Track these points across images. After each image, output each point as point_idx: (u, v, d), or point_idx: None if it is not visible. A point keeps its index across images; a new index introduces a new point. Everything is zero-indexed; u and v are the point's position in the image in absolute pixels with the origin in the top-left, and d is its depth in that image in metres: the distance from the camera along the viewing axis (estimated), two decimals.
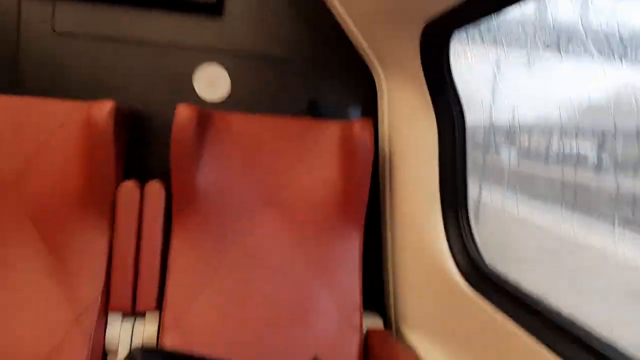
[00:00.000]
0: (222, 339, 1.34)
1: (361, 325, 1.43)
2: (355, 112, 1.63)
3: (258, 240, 1.45)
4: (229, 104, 1.59)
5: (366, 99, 1.63)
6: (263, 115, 1.50)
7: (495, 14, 0.95)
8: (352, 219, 1.47)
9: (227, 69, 1.58)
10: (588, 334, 0.87)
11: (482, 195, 1.65)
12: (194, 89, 1.58)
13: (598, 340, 0.85)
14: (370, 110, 1.64)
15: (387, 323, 1.61)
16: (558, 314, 0.95)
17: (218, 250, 1.43)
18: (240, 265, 1.43)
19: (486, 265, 1.23)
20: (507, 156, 1.71)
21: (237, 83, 1.59)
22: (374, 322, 1.57)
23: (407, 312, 1.51)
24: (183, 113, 1.33)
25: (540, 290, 1.03)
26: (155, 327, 1.40)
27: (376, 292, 1.66)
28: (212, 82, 1.59)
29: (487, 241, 1.30)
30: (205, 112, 1.42)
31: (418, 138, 1.42)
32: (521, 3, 0.86)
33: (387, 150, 1.57)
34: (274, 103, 1.60)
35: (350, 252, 1.48)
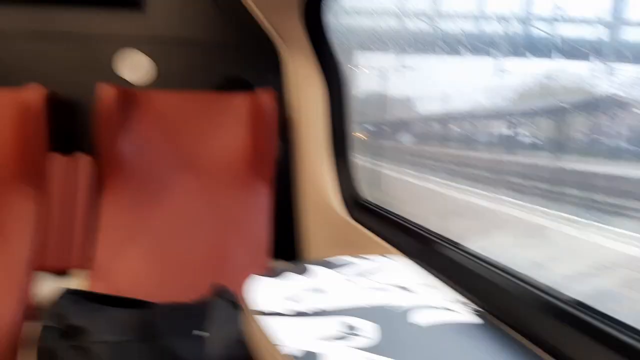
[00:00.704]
0: (144, 287, 1.51)
1: (267, 264, 1.62)
2: (263, 84, 1.82)
3: (177, 200, 1.64)
4: (152, 86, 1.77)
5: (274, 71, 1.82)
6: (180, 91, 1.69)
7: None
8: (261, 177, 1.66)
9: (148, 54, 1.77)
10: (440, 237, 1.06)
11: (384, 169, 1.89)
12: (116, 74, 1.76)
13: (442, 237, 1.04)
14: (278, 80, 1.82)
15: None
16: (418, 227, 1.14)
17: (143, 211, 1.61)
18: (162, 223, 1.60)
19: (364, 199, 1.43)
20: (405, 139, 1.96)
21: (159, 67, 1.78)
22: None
23: (311, 255, 1.70)
24: (103, 92, 1.51)
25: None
26: (86, 284, 1.56)
27: (285, 242, 1.83)
28: (134, 67, 1.77)
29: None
30: (126, 90, 1.60)
31: (312, 102, 1.62)
32: None
33: (292, 113, 1.76)
34: (194, 83, 1.79)
35: (259, 205, 1.66)
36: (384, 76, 1.87)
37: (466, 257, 0.86)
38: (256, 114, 1.64)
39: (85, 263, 1.56)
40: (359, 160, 1.59)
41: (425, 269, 0.91)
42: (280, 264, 1.74)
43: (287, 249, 1.80)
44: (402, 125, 2.09)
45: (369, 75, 1.62)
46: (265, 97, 1.63)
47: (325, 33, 1.48)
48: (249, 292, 0.78)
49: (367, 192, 1.51)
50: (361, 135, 1.79)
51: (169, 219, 1.61)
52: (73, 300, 1.33)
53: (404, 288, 0.80)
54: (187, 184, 1.65)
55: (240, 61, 1.83)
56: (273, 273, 0.85)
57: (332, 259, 0.93)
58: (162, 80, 1.78)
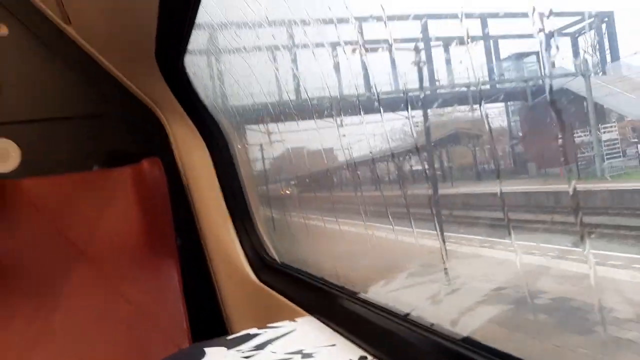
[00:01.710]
0: None
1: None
2: (149, 154, 1.74)
3: (75, 297, 1.49)
4: (20, 172, 1.64)
5: (158, 140, 1.74)
6: (54, 176, 1.57)
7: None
8: (163, 252, 1.56)
9: (12, 139, 1.64)
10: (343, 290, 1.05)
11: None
12: None
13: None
14: (165, 149, 1.75)
15: None
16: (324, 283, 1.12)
17: (37, 318, 1.44)
18: (65, 325, 1.45)
19: (270, 257, 1.40)
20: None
21: (28, 150, 1.65)
22: None
23: (234, 326, 1.62)
24: None
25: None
26: None
27: (207, 320, 1.72)
28: (1, 155, 1.63)
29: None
30: None
31: (200, 165, 1.57)
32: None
33: (185, 180, 1.70)
34: (68, 162, 1.67)
35: (169, 282, 1.56)
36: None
37: (366, 308, 0.86)
38: (144, 187, 1.56)
39: None
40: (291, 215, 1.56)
41: (330, 326, 0.89)
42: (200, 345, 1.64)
43: (210, 325, 1.70)
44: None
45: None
46: (150, 167, 1.55)
47: (192, 93, 1.45)
48: None
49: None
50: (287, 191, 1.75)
51: (71, 319, 1.46)
52: None
53: (303, 354, 0.77)
54: (83, 276, 1.51)
55: (119, 133, 1.74)
56: None
57: (233, 336, 0.89)
58: (32, 166, 1.64)
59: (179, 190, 1.72)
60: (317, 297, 1.04)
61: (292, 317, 1.07)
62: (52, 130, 1.68)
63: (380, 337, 0.77)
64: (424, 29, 1.01)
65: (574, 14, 0.99)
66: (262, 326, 0.93)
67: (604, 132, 1.04)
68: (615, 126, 1.07)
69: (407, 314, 0.78)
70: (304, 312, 1.06)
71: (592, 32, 1.04)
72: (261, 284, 1.36)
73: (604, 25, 1.05)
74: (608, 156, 1.03)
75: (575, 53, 1.04)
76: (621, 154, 1.05)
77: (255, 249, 1.45)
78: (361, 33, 0.85)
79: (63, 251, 1.51)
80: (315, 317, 0.97)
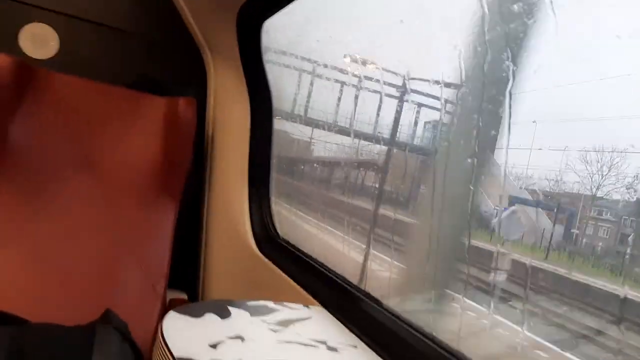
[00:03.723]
0: (17, 300, 1.32)
1: (164, 294, 1.49)
2: (184, 91, 1.72)
3: (69, 202, 1.45)
4: (55, 65, 1.58)
5: (196, 79, 1.71)
6: (89, 80, 1.52)
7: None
8: (168, 193, 1.54)
9: (57, 29, 1.58)
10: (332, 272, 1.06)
11: None
12: (18, 45, 1.54)
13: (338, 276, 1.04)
14: (199, 90, 1.72)
15: (193, 299, 1.70)
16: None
17: (23, 209, 1.40)
18: (47, 227, 1.41)
19: (276, 234, 1.40)
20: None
21: (66, 46, 1.59)
22: (179, 296, 1.64)
23: (213, 288, 1.61)
24: (1, 62, 1.31)
25: None
26: None
27: (186, 270, 1.71)
28: (39, 40, 1.56)
29: None
30: (26, 65, 1.39)
31: (235, 120, 1.55)
32: None
33: (211, 130, 1.68)
34: (103, 71, 1.62)
35: (162, 224, 1.54)
36: None
37: (389, 317, 0.88)
38: (173, 123, 1.53)
39: None
40: None
41: (346, 325, 0.91)
42: (176, 293, 1.62)
43: (184, 277, 1.68)
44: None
45: None
46: (185, 106, 1.52)
47: (258, 51, 1.43)
48: (168, 330, 0.72)
49: None
50: None
51: (55, 223, 1.42)
52: None
53: (328, 347, 0.78)
54: (83, 187, 1.47)
55: (159, 60, 1.70)
56: (193, 312, 0.79)
57: (254, 303, 0.89)
58: (68, 62, 1.59)
59: (199, 136, 1.70)
60: (329, 289, 1.05)
61: (297, 300, 1.08)
62: (94, 34, 1.62)
63: (406, 353, 0.79)
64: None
65: None
66: (276, 301, 0.94)
67: None
68: None
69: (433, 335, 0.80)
70: (309, 297, 1.07)
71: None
72: (263, 257, 1.36)
73: None
74: None
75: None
76: None
77: (263, 222, 1.45)
78: None
79: (72, 155, 1.47)
80: (327, 309, 0.98)
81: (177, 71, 1.71)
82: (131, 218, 1.51)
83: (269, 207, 1.48)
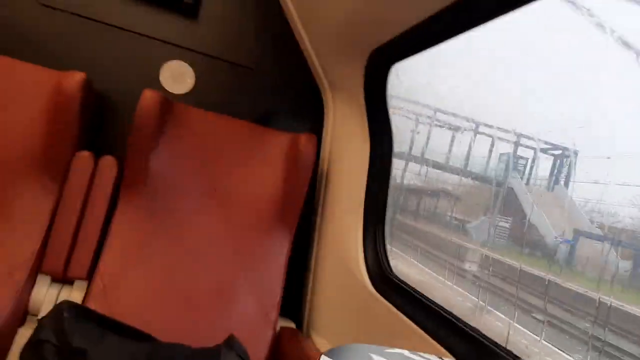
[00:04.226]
0: (145, 314, 1.42)
1: (276, 322, 1.55)
2: (303, 127, 1.79)
3: (195, 228, 1.56)
4: (190, 100, 1.72)
5: (314, 115, 1.79)
6: (220, 115, 1.64)
7: (430, 47, 1.15)
8: (286, 224, 1.61)
9: (193, 67, 1.72)
10: (461, 322, 1.05)
11: None
12: (159, 80, 1.70)
13: (470, 327, 1.02)
14: (316, 126, 1.80)
15: (299, 329, 1.74)
16: (442, 310, 1.13)
17: (157, 231, 1.52)
18: (175, 249, 1.52)
19: (393, 274, 1.40)
20: None
21: (201, 82, 1.73)
22: (287, 325, 1.68)
23: (320, 320, 1.64)
24: (148, 97, 1.45)
25: None
26: (82, 296, 1.46)
27: (293, 300, 1.76)
28: (177, 77, 1.71)
29: None
30: (168, 101, 1.53)
31: (353, 157, 1.59)
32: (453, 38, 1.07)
33: (326, 165, 1.73)
34: (232, 106, 1.74)
35: (278, 254, 1.60)
36: None
37: None
38: (294, 157, 1.60)
39: (87, 274, 1.46)
40: None
41: None
42: (286, 321, 1.67)
43: (292, 306, 1.73)
44: None
45: None
46: (306, 142, 1.59)
47: (383, 93, 1.47)
48: None
49: None
50: None
51: (183, 245, 1.53)
52: (75, 317, 1.23)
53: None
54: (210, 213, 1.58)
55: (282, 97, 1.80)
56: (340, 357, 0.81)
57: (390, 351, 0.90)
58: (202, 97, 1.72)
59: (314, 170, 1.76)
60: (463, 342, 1.04)
61: (419, 345, 1.07)
62: (226, 71, 1.75)
63: None
64: None
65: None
66: (413, 351, 0.94)
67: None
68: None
69: None
70: (435, 344, 1.06)
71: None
72: (378, 295, 1.37)
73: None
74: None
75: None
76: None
77: (378, 260, 1.46)
78: None
79: (202, 183, 1.58)
80: None
81: (297, 107, 1.80)
82: (250, 246, 1.58)
83: (383, 245, 1.49)
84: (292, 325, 1.69)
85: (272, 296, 1.56)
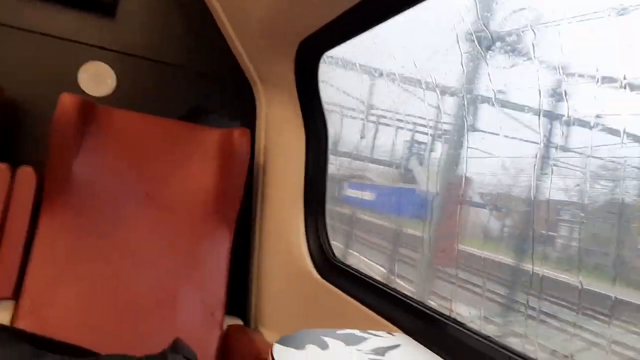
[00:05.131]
0: (81, 328, 1.35)
1: (222, 321, 1.52)
2: (234, 122, 1.76)
3: (129, 234, 1.49)
4: (113, 101, 1.64)
5: (245, 109, 1.77)
6: (147, 115, 1.58)
7: (358, 34, 1.17)
8: (225, 221, 1.58)
9: (113, 67, 1.64)
10: (406, 296, 1.08)
11: None
12: (77, 83, 1.61)
13: (414, 300, 1.06)
14: (249, 120, 1.77)
15: (247, 325, 1.72)
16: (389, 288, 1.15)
17: (86, 241, 1.44)
18: (108, 257, 1.45)
19: (337, 259, 1.42)
20: None
21: (123, 83, 1.65)
22: (234, 322, 1.66)
23: (267, 314, 1.63)
24: (66, 101, 1.36)
25: None
26: (10, 316, 1.36)
27: (239, 296, 1.73)
28: (97, 78, 1.63)
29: None
30: (89, 103, 1.45)
31: (289, 148, 1.59)
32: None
33: (261, 159, 1.71)
34: (158, 105, 1.68)
35: (219, 251, 1.57)
36: None
37: (479, 340, 0.89)
38: (228, 153, 1.57)
39: (13, 293, 1.36)
40: None
41: (435, 352, 0.92)
42: (232, 319, 1.65)
43: (238, 303, 1.70)
44: None
45: None
46: (240, 137, 1.57)
47: (315, 82, 1.48)
48: None
49: None
50: None
51: (117, 253, 1.46)
52: (6, 340, 1.14)
53: None
54: (144, 217, 1.51)
55: (211, 93, 1.76)
56: (294, 343, 0.81)
57: (342, 332, 0.91)
58: (125, 98, 1.65)
59: (252, 166, 1.74)
60: (407, 314, 1.07)
61: (368, 324, 1.09)
62: (149, 70, 1.69)
63: None
64: None
65: None
66: (363, 329, 0.95)
67: None
68: None
69: None
70: (383, 321, 1.08)
71: None
72: (324, 281, 1.38)
73: None
74: None
75: None
76: None
77: (321, 247, 1.47)
78: None
79: (131, 187, 1.52)
80: (410, 335, 0.99)
81: (227, 103, 1.77)
82: (189, 246, 1.54)
83: (325, 233, 1.50)
84: (240, 322, 1.67)
85: (217, 295, 1.53)
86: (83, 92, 1.61)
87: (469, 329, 0.94)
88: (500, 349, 0.85)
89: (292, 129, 1.57)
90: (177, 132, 1.59)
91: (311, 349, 0.80)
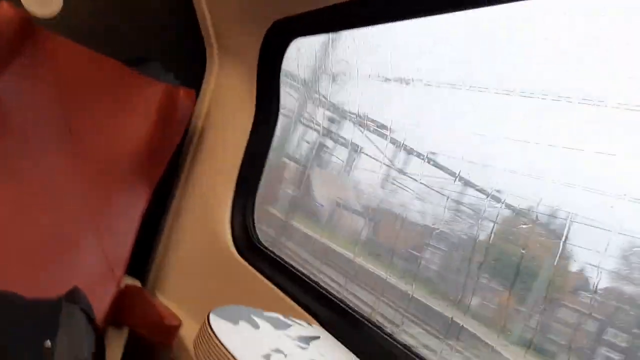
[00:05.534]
0: None
1: (121, 278, 1.46)
2: (178, 78, 1.67)
3: (40, 171, 1.38)
4: (54, 26, 1.49)
5: (193, 71, 1.68)
6: (90, 50, 1.46)
7: (332, 31, 1.18)
8: (146, 179, 1.51)
9: None
10: (326, 290, 1.12)
11: None
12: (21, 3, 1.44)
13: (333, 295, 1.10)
14: (195, 82, 1.69)
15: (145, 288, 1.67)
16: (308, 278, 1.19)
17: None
18: (12, 192, 1.33)
19: (261, 243, 1.43)
20: None
21: (71, 6, 1.50)
22: (133, 283, 1.60)
23: (169, 281, 1.60)
24: (4, 12, 1.23)
25: None
26: None
27: (142, 259, 1.68)
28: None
29: None
30: (29, 21, 1.31)
31: (233, 121, 1.56)
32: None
33: (200, 124, 1.66)
34: (104, 41, 1.55)
35: (132, 209, 1.50)
36: None
37: (395, 345, 0.95)
38: (168, 111, 1.50)
39: None
40: None
41: (350, 349, 0.97)
42: (131, 279, 1.58)
43: (141, 265, 1.64)
44: None
45: None
46: (184, 97, 1.51)
47: (279, 65, 1.46)
48: (222, 334, 0.74)
49: None
50: None
51: (22, 188, 1.34)
52: None
53: None
54: (60, 155, 1.40)
55: (162, 42, 1.67)
56: (229, 317, 0.81)
57: (269, 315, 0.92)
58: (68, 27, 1.50)
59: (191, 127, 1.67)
60: (325, 307, 1.11)
61: (284, 310, 1.12)
62: (103, 4, 1.57)
63: None
64: None
65: None
66: (285, 315, 0.98)
67: None
68: None
69: None
70: (298, 309, 1.11)
71: None
72: (242, 261, 1.38)
73: None
74: None
75: None
76: None
77: (246, 227, 1.47)
78: None
79: (56, 123, 1.41)
80: (325, 328, 1.03)
81: (177, 57, 1.69)
82: (102, 195, 1.46)
83: (252, 214, 1.50)
84: (138, 284, 1.62)
85: (120, 251, 1.46)
86: (23, 8, 1.44)
87: (384, 331, 1.00)
88: (411, 355, 0.92)
89: (241, 103, 1.54)
90: (120, 76, 1.49)
91: (244, 326, 0.81)
